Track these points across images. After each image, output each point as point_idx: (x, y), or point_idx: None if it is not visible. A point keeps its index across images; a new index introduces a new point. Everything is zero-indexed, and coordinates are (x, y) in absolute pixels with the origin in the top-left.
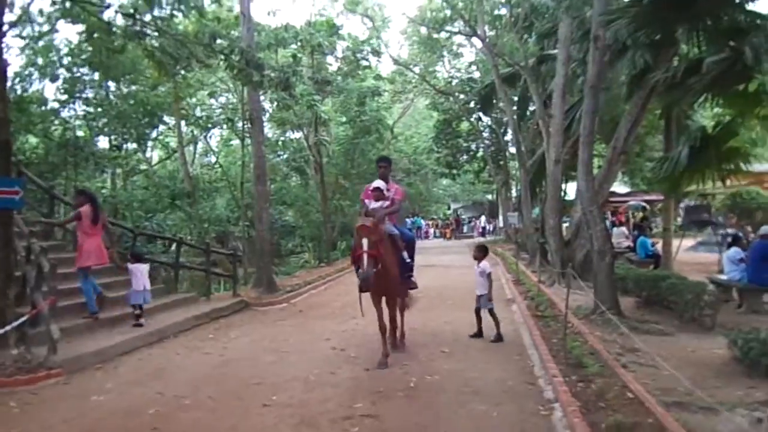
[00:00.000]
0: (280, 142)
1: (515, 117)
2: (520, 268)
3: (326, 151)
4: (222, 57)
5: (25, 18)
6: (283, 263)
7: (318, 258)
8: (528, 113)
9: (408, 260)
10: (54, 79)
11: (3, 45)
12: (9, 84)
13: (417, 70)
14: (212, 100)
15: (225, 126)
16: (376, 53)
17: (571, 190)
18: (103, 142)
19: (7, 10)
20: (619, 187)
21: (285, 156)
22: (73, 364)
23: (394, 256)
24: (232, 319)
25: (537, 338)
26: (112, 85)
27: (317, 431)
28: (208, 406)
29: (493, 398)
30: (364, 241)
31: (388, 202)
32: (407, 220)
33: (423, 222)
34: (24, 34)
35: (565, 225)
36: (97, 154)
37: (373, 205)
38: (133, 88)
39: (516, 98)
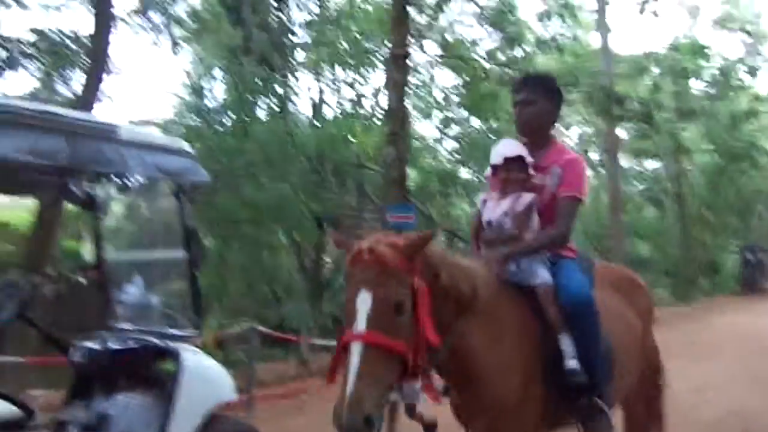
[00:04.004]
0: (635, 173)
1: None
2: None
3: (688, 181)
4: (584, 92)
5: (414, 68)
6: None
7: (673, 295)
8: None
9: (572, 363)
10: (429, 117)
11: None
12: None
13: None
14: (566, 132)
15: None
16: (753, 71)
17: None
18: (463, 173)
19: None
20: None
21: (641, 187)
22: None
23: (521, 345)
24: None
25: None
26: (475, 122)
27: None
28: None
29: None
30: (360, 300)
31: (530, 198)
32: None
33: None
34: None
35: None
36: (461, 184)
37: (494, 209)
38: (493, 124)
39: None
